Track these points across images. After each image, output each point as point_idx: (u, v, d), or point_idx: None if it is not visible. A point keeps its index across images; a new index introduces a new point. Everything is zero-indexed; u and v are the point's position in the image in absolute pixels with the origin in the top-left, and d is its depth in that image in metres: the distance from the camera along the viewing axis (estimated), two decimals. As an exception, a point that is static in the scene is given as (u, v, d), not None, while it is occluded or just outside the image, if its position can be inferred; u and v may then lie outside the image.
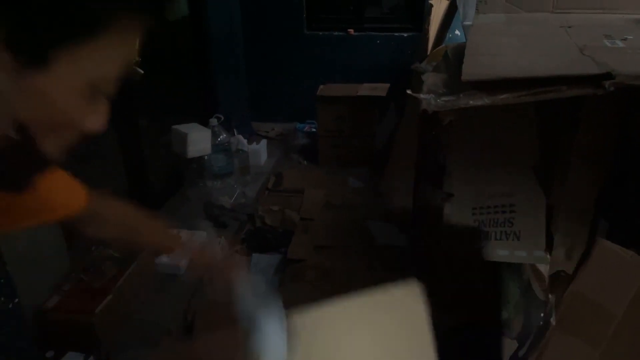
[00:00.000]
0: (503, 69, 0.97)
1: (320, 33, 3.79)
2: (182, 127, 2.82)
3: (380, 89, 3.37)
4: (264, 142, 3.51)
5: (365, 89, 3.38)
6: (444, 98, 0.97)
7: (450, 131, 1.67)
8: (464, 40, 2.99)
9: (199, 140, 2.81)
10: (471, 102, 0.92)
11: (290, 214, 2.88)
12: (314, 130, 3.83)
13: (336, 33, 3.78)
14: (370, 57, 3.75)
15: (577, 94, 0.84)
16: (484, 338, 1.84)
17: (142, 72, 2.33)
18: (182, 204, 2.90)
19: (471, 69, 0.98)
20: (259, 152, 3.38)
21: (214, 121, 2.99)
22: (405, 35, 3.68)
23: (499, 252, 1.50)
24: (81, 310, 1.82)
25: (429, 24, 2.51)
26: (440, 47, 2.39)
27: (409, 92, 1.10)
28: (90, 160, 2.25)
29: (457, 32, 3.44)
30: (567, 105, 1.17)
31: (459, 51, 1.23)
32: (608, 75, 0.81)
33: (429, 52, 2.41)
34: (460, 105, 0.93)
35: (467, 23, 2.61)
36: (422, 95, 1.01)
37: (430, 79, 1.16)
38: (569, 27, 1.22)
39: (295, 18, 3.75)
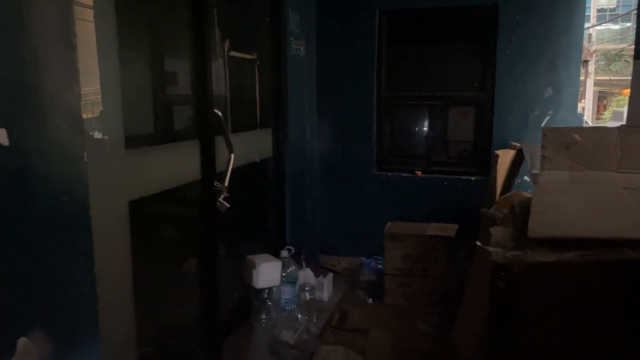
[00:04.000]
0: (568, 228, 1.00)
1: (389, 174, 4.00)
2: (255, 258, 2.95)
3: (449, 229, 3.40)
4: (330, 276, 3.55)
5: (434, 229, 3.42)
6: (512, 252, 1.00)
7: (522, 283, 1.63)
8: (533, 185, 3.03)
9: (269, 271, 2.91)
10: (538, 257, 0.94)
11: (355, 356, 2.78)
12: (380, 266, 3.83)
13: (404, 174, 3.97)
14: (438, 198, 3.85)
15: (633, 257, 0.84)
16: None
17: (228, 205, 2.56)
18: (247, 336, 2.90)
19: (537, 226, 1.02)
20: (325, 286, 3.40)
21: (284, 253, 3.11)
22: (472, 179, 3.79)
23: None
24: None
25: (496, 172, 2.61)
26: (508, 194, 2.45)
27: (478, 243, 1.14)
28: (168, 285, 2.39)
29: (525, 178, 3.52)
30: None
31: (525, 206, 1.28)
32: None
33: (496, 199, 2.47)
34: (527, 260, 0.95)
35: (535, 172, 2.69)
36: (491, 248, 1.05)
37: (498, 232, 1.20)
38: (632, 188, 1.25)
39: (366, 160, 4.03)
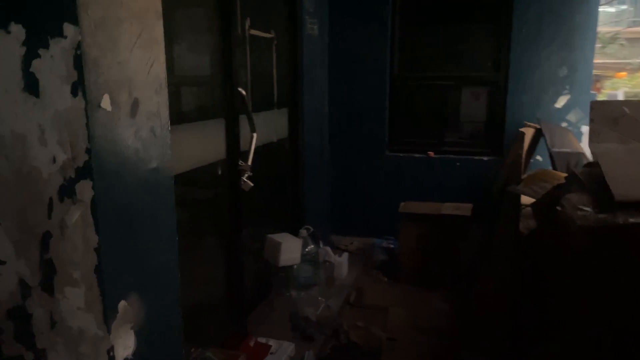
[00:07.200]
0: None
1: (401, 154, 4.02)
2: (276, 237, 2.97)
3: (463, 208, 3.44)
4: (345, 255, 3.58)
5: (449, 208, 3.46)
6: (600, 215, 1.03)
7: (608, 245, 1.60)
8: (547, 166, 3.08)
9: (291, 249, 2.94)
10: (631, 219, 0.97)
11: (376, 331, 2.83)
12: (392, 246, 3.87)
13: (416, 155, 3.99)
14: (450, 178, 3.88)
15: None
16: None
17: (252, 184, 2.58)
18: (269, 313, 2.94)
19: (621, 192, 1.05)
20: (342, 264, 3.44)
21: (303, 232, 3.14)
22: (485, 159, 3.82)
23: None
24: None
25: (522, 150, 2.64)
26: (533, 172, 2.49)
27: (559, 208, 1.17)
28: (196, 262, 2.40)
29: (538, 157, 3.57)
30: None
31: (592, 175, 1.31)
32: None
33: (522, 176, 2.51)
34: (618, 222, 0.98)
35: (556, 150, 2.73)
36: (577, 211, 1.08)
37: (575, 197, 1.22)
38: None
39: (378, 140, 4.04)
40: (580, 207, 1.13)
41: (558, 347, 1.76)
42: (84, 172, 0.86)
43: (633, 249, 1.15)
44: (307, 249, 3.12)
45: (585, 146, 3.22)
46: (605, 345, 1.30)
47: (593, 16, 3.47)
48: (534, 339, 2.10)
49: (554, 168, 2.73)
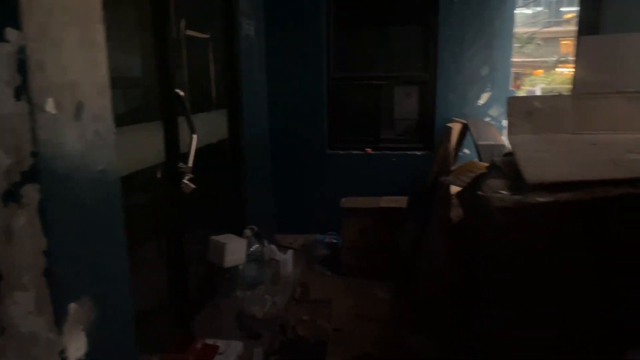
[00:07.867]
0: (557, 175, 1.18)
1: (341, 152, 4.14)
2: (220, 238, 2.97)
3: (400, 201, 3.61)
4: (290, 252, 3.64)
5: (386, 202, 3.62)
6: (515, 196, 1.16)
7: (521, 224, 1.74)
8: (474, 158, 3.29)
9: (235, 250, 2.95)
10: (539, 199, 1.11)
11: (322, 323, 2.92)
12: (334, 241, 3.98)
13: (355, 152, 4.13)
14: (387, 173, 4.06)
15: (622, 192, 1.04)
16: None
17: (194, 186, 2.58)
18: (215, 314, 2.93)
19: (532, 176, 1.19)
20: (287, 262, 3.49)
21: (247, 232, 3.16)
22: (418, 153, 4.03)
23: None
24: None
25: (451, 143, 2.83)
26: (463, 163, 2.68)
27: (480, 192, 1.29)
28: (135, 268, 2.36)
29: (466, 150, 3.81)
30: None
31: (508, 162, 1.46)
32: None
33: (451, 168, 2.69)
34: (528, 202, 1.12)
35: (481, 143, 2.95)
36: (495, 194, 1.20)
37: (494, 182, 1.36)
38: (593, 144, 1.48)
39: (318, 139, 4.13)
40: (498, 190, 1.27)
41: (493, 322, 1.90)
42: (30, 175, 0.85)
43: (542, 224, 1.31)
44: (252, 249, 3.15)
45: (506, 138, 3.51)
46: (534, 315, 1.45)
47: (510, 19, 3.77)
48: (472, 317, 2.26)
49: (480, 159, 2.95)
